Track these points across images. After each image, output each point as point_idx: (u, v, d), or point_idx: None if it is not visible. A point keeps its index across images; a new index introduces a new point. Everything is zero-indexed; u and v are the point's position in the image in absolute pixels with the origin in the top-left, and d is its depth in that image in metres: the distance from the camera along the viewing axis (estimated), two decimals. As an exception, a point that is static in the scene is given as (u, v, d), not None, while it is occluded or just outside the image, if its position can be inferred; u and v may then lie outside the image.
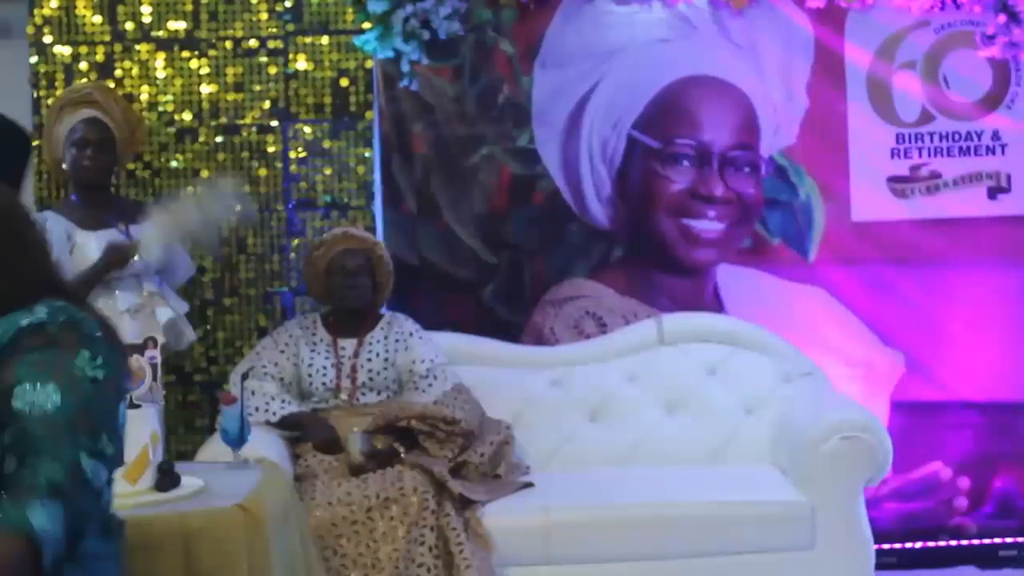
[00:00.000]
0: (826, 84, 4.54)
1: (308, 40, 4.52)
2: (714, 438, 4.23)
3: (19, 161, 3.85)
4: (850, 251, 4.56)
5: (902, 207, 4.57)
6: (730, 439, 4.23)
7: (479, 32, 4.49)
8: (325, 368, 4.04)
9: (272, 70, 4.52)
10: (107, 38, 4.49)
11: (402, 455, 3.83)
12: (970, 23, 4.53)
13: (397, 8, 4.38)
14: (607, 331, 4.50)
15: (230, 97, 4.52)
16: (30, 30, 4.47)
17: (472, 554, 3.58)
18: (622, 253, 4.56)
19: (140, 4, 4.49)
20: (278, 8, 4.51)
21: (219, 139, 4.51)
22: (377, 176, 4.53)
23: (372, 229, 4.46)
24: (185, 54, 4.51)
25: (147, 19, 4.49)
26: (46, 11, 4.47)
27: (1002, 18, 4.47)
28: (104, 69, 4.48)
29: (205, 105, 4.51)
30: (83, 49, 4.48)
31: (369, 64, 4.51)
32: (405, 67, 4.43)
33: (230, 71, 4.51)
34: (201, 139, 4.50)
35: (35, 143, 4.20)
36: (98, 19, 4.48)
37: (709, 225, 4.54)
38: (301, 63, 4.52)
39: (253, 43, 4.51)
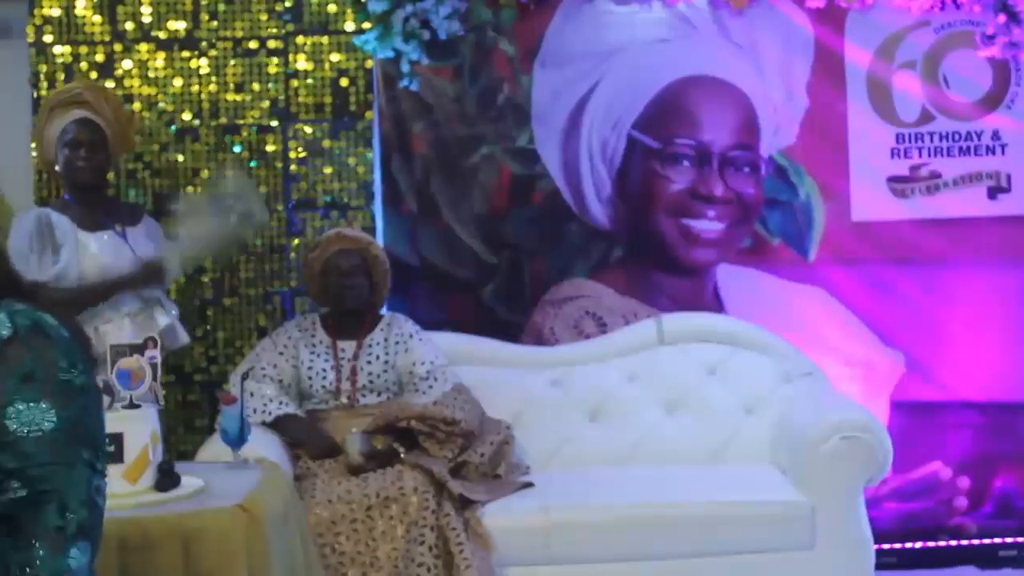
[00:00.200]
0: (826, 84, 4.54)
1: (308, 40, 4.52)
2: (714, 438, 4.23)
3: None
4: (850, 251, 4.56)
5: (902, 207, 4.57)
6: (730, 439, 4.23)
7: (479, 32, 4.49)
8: (325, 370, 4.04)
9: (272, 70, 4.52)
10: (107, 38, 4.49)
11: (402, 455, 3.83)
12: (970, 23, 4.53)
13: (397, 8, 4.37)
14: (607, 331, 4.50)
15: (230, 97, 4.52)
16: (30, 30, 4.47)
17: (472, 554, 3.58)
18: (622, 253, 4.56)
19: (140, 4, 4.49)
20: (278, 8, 4.51)
21: (219, 139, 4.51)
22: (377, 176, 4.53)
23: (372, 229, 4.46)
24: (185, 54, 4.50)
25: (147, 19, 4.49)
26: (46, 11, 4.47)
27: (1002, 18, 4.47)
28: (104, 69, 4.48)
29: (205, 105, 4.51)
30: (83, 49, 4.48)
31: (369, 64, 4.50)
32: (405, 67, 4.43)
33: (230, 71, 4.51)
34: (201, 139, 4.50)
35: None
36: (98, 19, 4.48)
37: (709, 225, 4.54)
38: (301, 63, 4.52)
39: (253, 43, 4.51)
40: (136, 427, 2.86)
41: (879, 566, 3.92)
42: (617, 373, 4.35)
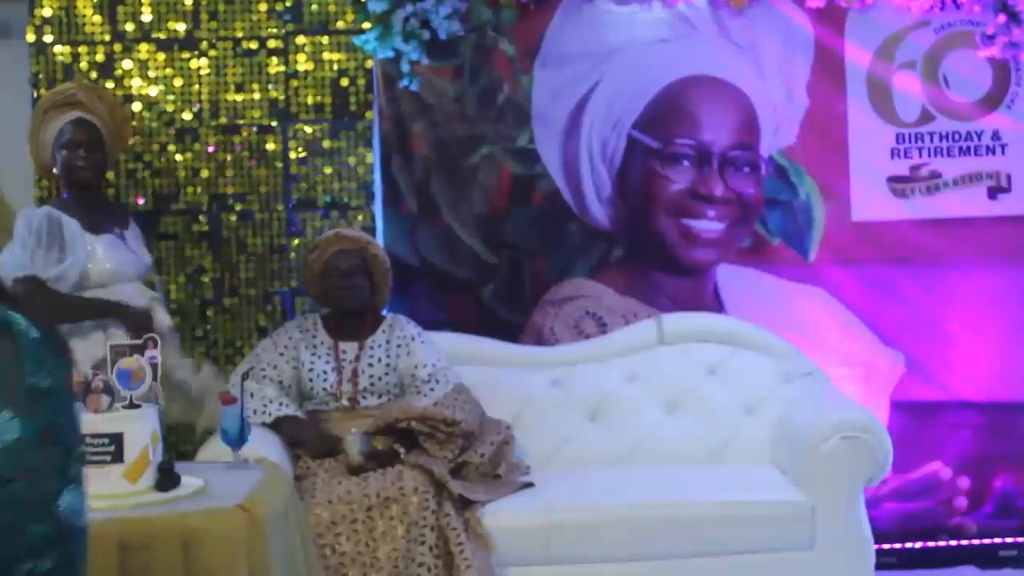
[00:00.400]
0: (826, 84, 4.54)
1: (308, 40, 4.52)
2: (714, 438, 4.23)
3: None
4: (850, 251, 4.55)
5: (902, 207, 4.57)
6: (730, 439, 4.23)
7: (479, 32, 4.49)
8: (326, 372, 4.04)
9: (272, 70, 4.52)
10: (107, 38, 4.49)
11: (402, 456, 3.83)
12: (970, 23, 4.53)
13: (397, 8, 4.37)
14: (607, 331, 4.49)
15: (230, 97, 4.52)
16: (30, 30, 4.47)
17: (472, 554, 3.58)
18: (622, 253, 4.56)
19: (140, 4, 4.49)
20: (278, 8, 4.51)
21: (219, 139, 4.51)
22: (377, 176, 4.53)
23: (372, 229, 4.46)
24: (185, 54, 4.51)
25: (147, 19, 4.49)
26: (46, 11, 4.47)
27: (1002, 18, 4.47)
28: (104, 69, 4.48)
29: (205, 105, 4.51)
30: (83, 49, 4.48)
31: (369, 64, 4.51)
32: (405, 67, 4.43)
33: (230, 71, 4.51)
34: (201, 139, 4.50)
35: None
36: (98, 19, 4.48)
37: (709, 225, 4.54)
38: (301, 63, 4.52)
39: (253, 43, 4.51)
40: (136, 427, 2.86)
41: (879, 566, 3.92)
42: (617, 373, 4.35)
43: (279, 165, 4.52)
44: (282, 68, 4.52)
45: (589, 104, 4.52)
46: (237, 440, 3.19)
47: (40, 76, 4.46)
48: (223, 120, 4.51)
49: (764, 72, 4.53)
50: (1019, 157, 4.57)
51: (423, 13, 4.38)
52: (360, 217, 4.51)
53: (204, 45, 4.51)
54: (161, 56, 4.49)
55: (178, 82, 4.50)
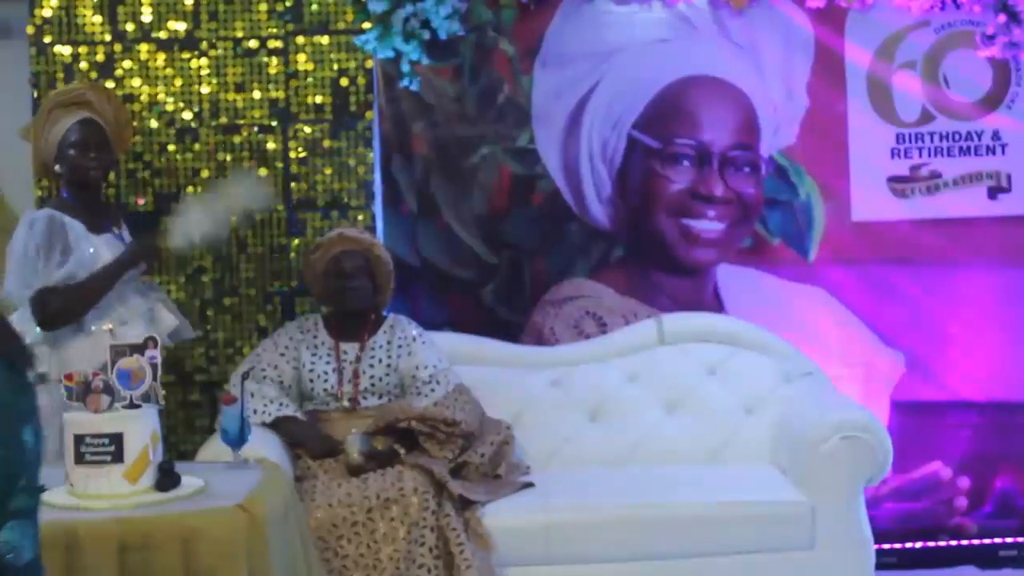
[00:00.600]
0: (826, 84, 4.54)
1: (308, 40, 4.52)
2: (714, 438, 4.23)
3: None
4: (850, 251, 4.56)
5: (902, 207, 4.57)
6: (730, 439, 4.23)
7: (479, 32, 4.49)
8: (327, 373, 4.04)
9: (272, 70, 4.52)
10: (107, 38, 4.49)
11: (402, 456, 3.83)
12: (970, 23, 4.53)
13: (397, 8, 4.37)
14: (607, 331, 4.50)
15: (230, 97, 4.52)
16: (30, 30, 4.47)
17: (472, 554, 3.58)
18: (622, 253, 4.56)
19: (140, 4, 4.49)
20: (278, 8, 4.51)
21: (219, 139, 4.51)
22: (377, 176, 4.53)
23: (372, 229, 4.46)
24: (185, 54, 4.50)
25: (147, 19, 4.49)
26: (46, 11, 4.47)
27: (1002, 18, 4.47)
28: (104, 69, 4.48)
29: (205, 105, 4.51)
30: (83, 49, 4.48)
31: (369, 64, 4.51)
32: (405, 67, 4.43)
33: (230, 71, 4.51)
34: (201, 139, 4.50)
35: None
36: (98, 19, 4.48)
37: (709, 225, 4.54)
38: (301, 63, 4.52)
39: (253, 43, 4.51)
40: (136, 427, 2.86)
41: (879, 566, 3.93)
42: (617, 373, 4.35)
43: (279, 165, 4.52)
44: (282, 68, 4.52)
45: (589, 104, 4.52)
46: (237, 440, 3.19)
47: (40, 76, 4.46)
48: (223, 120, 4.51)
49: (764, 72, 4.53)
50: (1019, 157, 4.57)
51: (423, 13, 4.38)
52: (360, 217, 4.51)
53: (204, 45, 4.50)
54: (161, 56, 4.49)
55: (178, 82, 4.50)
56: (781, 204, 4.56)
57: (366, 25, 4.42)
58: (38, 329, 3.67)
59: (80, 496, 2.80)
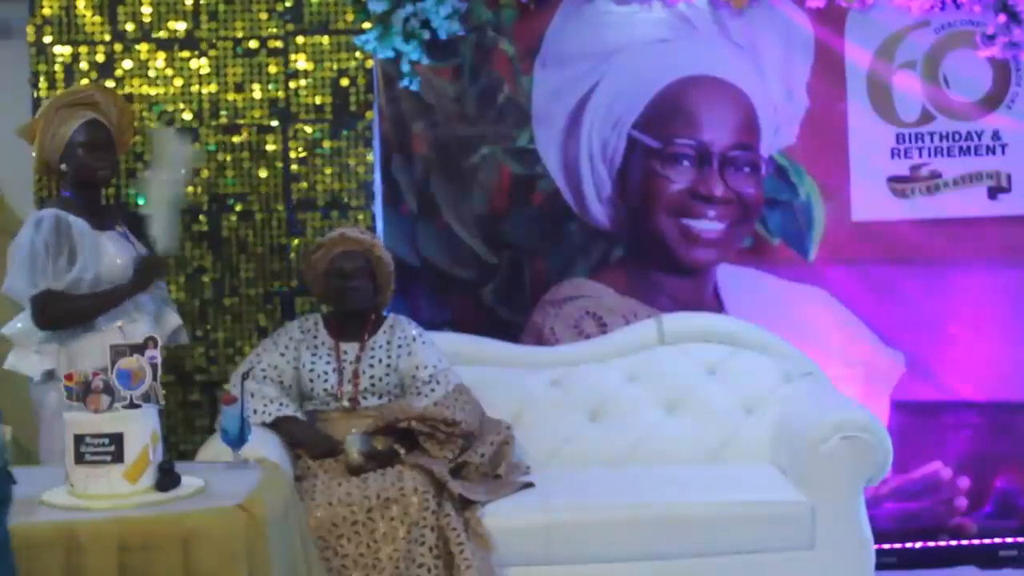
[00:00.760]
0: (826, 84, 4.54)
1: (308, 40, 4.52)
2: (714, 438, 4.23)
3: None
4: (850, 251, 4.56)
5: (902, 207, 4.57)
6: (730, 439, 4.23)
7: (479, 32, 4.49)
8: (327, 373, 4.04)
9: (272, 70, 4.52)
10: (107, 38, 4.49)
11: (402, 456, 3.83)
12: (970, 23, 4.53)
13: (397, 8, 4.38)
14: (607, 331, 4.50)
15: (230, 97, 4.52)
16: (30, 30, 4.47)
17: (472, 554, 3.58)
18: (622, 253, 4.56)
19: (140, 4, 4.49)
20: (278, 8, 4.51)
21: (219, 139, 4.51)
22: (377, 176, 4.53)
23: (372, 229, 4.46)
24: (185, 54, 4.51)
25: (147, 19, 4.49)
26: (46, 11, 4.47)
27: (1002, 18, 4.47)
28: (104, 69, 4.48)
29: (205, 105, 4.51)
30: (83, 49, 4.48)
31: (369, 64, 4.51)
32: (405, 67, 4.43)
33: (230, 71, 4.51)
34: (201, 139, 4.50)
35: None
36: (98, 19, 4.48)
37: (709, 225, 4.54)
38: (301, 63, 4.52)
39: (253, 43, 4.51)
40: (136, 427, 2.86)
41: (879, 566, 3.93)
42: (617, 373, 4.35)
43: (279, 165, 4.52)
44: (282, 68, 4.52)
45: (589, 104, 4.52)
46: (237, 440, 3.19)
47: (40, 76, 4.46)
48: (223, 120, 4.51)
49: (764, 72, 4.53)
50: (1019, 157, 4.57)
51: (423, 13, 4.38)
52: (360, 217, 4.51)
53: (204, 45, 4.51)
54: (161, 56, 4.49)
55: (178, 82, 4.50)
56: (781, 204, 4.56)
57: (366, 25, 4.42)
58: None
59: (80, 496, 2.80)
